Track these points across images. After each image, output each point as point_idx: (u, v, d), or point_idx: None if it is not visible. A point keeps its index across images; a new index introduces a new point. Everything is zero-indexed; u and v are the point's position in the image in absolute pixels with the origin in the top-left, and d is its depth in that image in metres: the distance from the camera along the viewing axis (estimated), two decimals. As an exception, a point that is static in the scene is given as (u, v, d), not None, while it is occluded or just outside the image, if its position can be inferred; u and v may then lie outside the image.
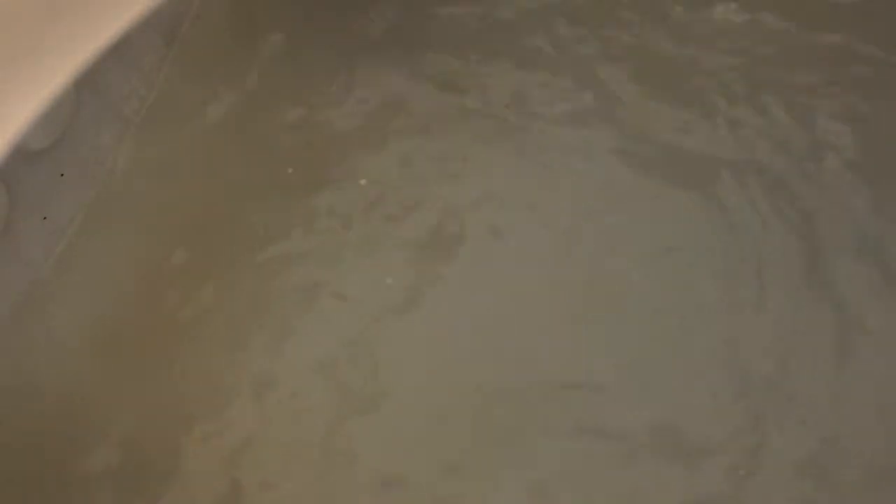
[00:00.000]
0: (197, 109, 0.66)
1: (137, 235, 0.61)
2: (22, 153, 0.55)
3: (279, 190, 0.63)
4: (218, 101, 0.66)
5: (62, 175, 0.59)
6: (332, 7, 0.70)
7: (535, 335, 0.57)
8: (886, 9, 0.67)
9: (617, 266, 0.59)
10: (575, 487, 0.52)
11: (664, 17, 0.67)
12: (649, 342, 0.56)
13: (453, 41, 0.68)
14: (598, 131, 0.64)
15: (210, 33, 0.69)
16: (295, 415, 0.55)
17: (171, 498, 0.52)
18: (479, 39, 0.68)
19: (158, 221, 0.61)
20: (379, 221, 0.61)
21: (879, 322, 0.56)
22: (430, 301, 0.58)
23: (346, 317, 0.58)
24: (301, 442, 0.54)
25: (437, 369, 0.56)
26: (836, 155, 0.61)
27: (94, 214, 0.60)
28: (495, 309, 0.58)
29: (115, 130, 0.63)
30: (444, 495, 0.52)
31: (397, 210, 0.62)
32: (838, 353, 0.55)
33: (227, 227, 0.61)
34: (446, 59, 0.68)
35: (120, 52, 0.61)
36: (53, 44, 0.44)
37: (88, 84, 0.60)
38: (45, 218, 0.58)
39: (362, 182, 0.62)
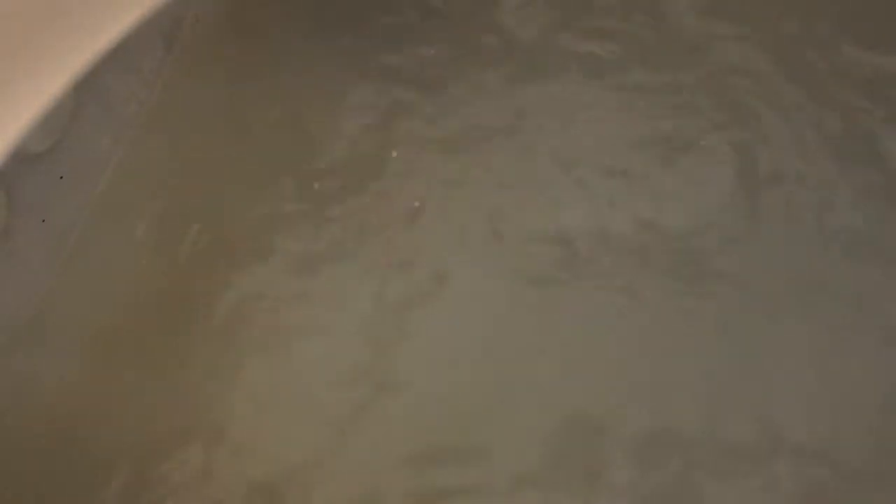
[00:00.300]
0: (196, 112, 0.66)
1: (137, 238, 0.61)
2: (21, 156, 0.55)
3: (279, 191, 0.63)
4: (217, 103, 0.66)
5: (61, 178, 0.59)
6: (331, 10, 0.70)
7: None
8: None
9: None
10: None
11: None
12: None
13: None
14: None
15: (209, 36, 0.69)
16: (296, 418, 0.55)
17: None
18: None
19: (158, 224, 0.61)
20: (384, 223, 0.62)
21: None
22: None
23: (344, 315, 0.58)
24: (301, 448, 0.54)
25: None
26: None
27: (94, 217, 0.60)
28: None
29: (115, 133, 0.63)
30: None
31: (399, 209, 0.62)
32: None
33: (228, 229, 0.61)
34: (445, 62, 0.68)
35: (119, 55, 0.61)
36: (53, 47, 0.44)
37: (88, 87, 0.60)
38: (44, 221, 0.58)
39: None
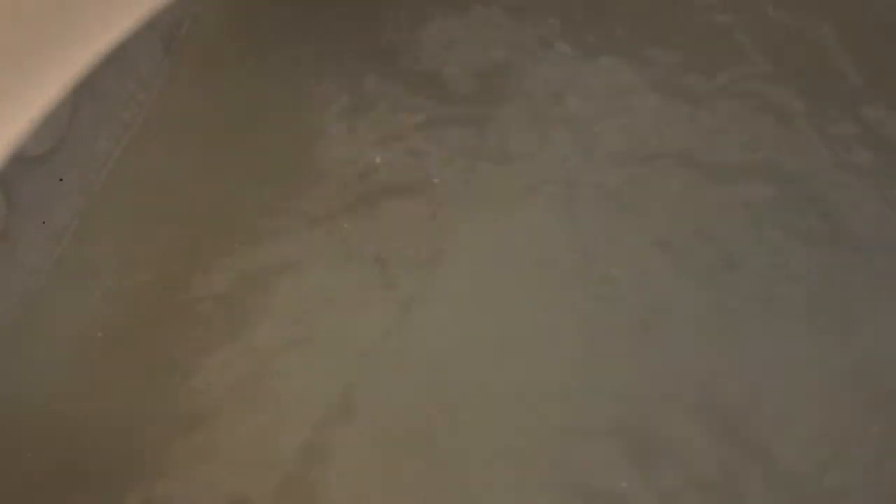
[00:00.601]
0: (195, 115, 0.66)
1: (136, 240, 0.61)
2: (21, 159, 0.56)
3: (278, 194, 0.63)
4: (216, 106, 0.66)
5: (61, 180, 0.59)
6: (330, 13, 0.70)
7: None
8: None
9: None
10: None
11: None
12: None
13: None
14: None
15: (208, 39, 0.69)
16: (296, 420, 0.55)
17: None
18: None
19: (157, 226, 0.61)
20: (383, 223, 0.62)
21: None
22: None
23: (344, 314, 0.58)
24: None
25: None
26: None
27: (93, 219, 0.60)
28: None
29: (114, 135, 0.63)
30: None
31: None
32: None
33: (226, 232, 0.61)
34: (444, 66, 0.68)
35: (118, 57, 0.61)
36: (52, 49, 0.44)
37: (87, 89, 0.60)
38: (43, 223, 0.58)
39: (377, 160, 0.63)
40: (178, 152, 0.64)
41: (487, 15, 0.69)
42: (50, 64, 0.44)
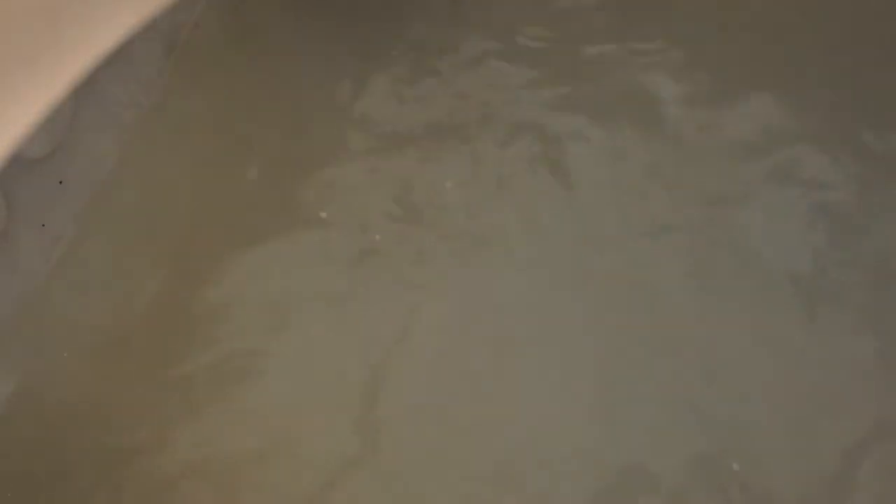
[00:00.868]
0: (196, 117, 0.66)
1: (136, 242, 0.61)
2: (21, 161, 0.56)
3: (278, 195, 0.63)
4: (217, 109, 0.66)
5: (61, 183, 0.59)
6: (331, 17, 0.71)
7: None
8: None
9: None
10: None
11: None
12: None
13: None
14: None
15: (208, 42, 0.69)
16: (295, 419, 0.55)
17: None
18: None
19: (157, 229, 0.61)
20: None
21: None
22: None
23: (343, 313, 0.59)
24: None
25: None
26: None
27: (93, 222, 0.60)
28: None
29: (114, 138, 0.63)
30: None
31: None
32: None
33: (226, 233, 0.61)
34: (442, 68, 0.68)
35: (119, 60, 0.61)
36: (52, 52, 0.44)
37: (87, 92, 0.60)
38: (43, 225, 0.58)
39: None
40: (179, 155, 0.64)
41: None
42: (50, 66, 0.44)
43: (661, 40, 0.67)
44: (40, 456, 0.54)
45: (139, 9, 0.47)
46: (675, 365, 0.56)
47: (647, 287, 0.58)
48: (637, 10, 0.69)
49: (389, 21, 0.70)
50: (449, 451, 0.54)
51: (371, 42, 0.69)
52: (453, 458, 0.54)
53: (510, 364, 0.56)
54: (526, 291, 0.59)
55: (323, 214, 0.62)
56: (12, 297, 0.57)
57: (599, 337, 0.57)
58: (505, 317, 0.58)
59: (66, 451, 0.54)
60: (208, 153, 0.65)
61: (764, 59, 0.66)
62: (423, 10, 0.71)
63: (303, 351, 0.57)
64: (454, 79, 0.67)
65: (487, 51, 0.68)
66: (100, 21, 0.45)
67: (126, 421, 0.55)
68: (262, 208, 0.62)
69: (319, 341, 0.58)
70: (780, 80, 0.65)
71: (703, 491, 0.52)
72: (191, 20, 0.68)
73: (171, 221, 0.62)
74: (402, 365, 0.56)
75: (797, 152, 0.62)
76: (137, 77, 0.64)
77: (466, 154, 0.64)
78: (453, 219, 0.62)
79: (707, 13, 0.68)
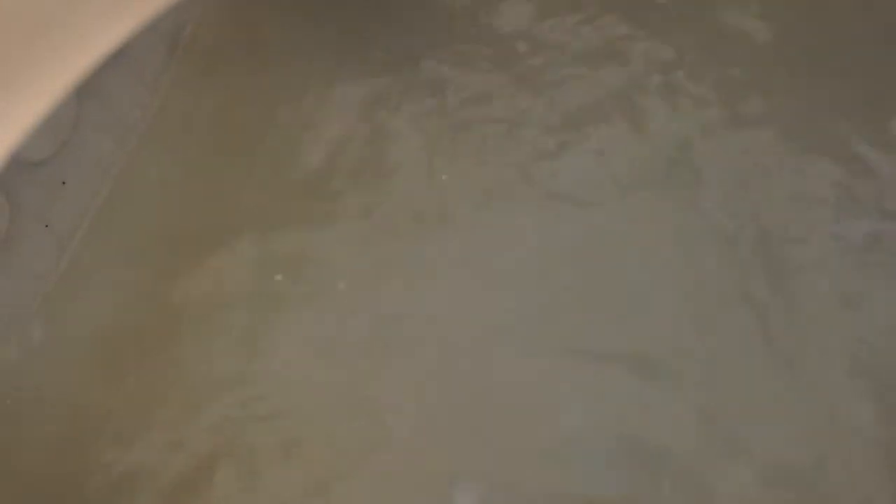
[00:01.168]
0: (199, 118, 0.66)
1: (140, 243, 0.61)
2: (24, 163, 0.56)
3: (281, 197, 0.63)
4: (220, 109, 0.66)
5: (64, 184, 0.59)
6: (334, 17, 0.70)
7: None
8: None
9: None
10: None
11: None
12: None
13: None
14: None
15: (211, 42, 0.69)
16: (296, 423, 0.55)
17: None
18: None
19: (161, 229, 0.61)
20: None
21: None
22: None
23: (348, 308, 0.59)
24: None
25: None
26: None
27: (97, 223, 0.60)
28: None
29: (118, 138, 0.63)
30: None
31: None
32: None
33: (230, 235, 0.61)
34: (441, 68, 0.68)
35: (121, 61, 0.61)
36: (55, 53, 0.44)
37: (90, 93, 0.60)
38: (47, 226, 0.58)
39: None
40: (183, 155, 0.64)
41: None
42: (53, 67, 0.44)
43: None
44: (46, 457, 0.54)
45: (141, 9, 0.47)
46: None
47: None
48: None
49: (392, 22, 0.70)
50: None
51: (374, 43, 0.69)
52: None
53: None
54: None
55: (329, 215, 0.62)
56: (17, 297, 0.57)
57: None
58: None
59: (73, 452, 0.54)
60: (212, 153, 0.65)
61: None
62: (426, 11, 0.71)
63: (303, 353, 0.57)
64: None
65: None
66: (102, 21, 0.45)
67: (132, 422, 0.55)
68: (268, 208, 0.62)
69: (321, 342, 0.58)
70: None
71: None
72: (193, 21, 0.68)
73: (175, 221, 0.62)
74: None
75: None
76: (140, 77, 0.64)
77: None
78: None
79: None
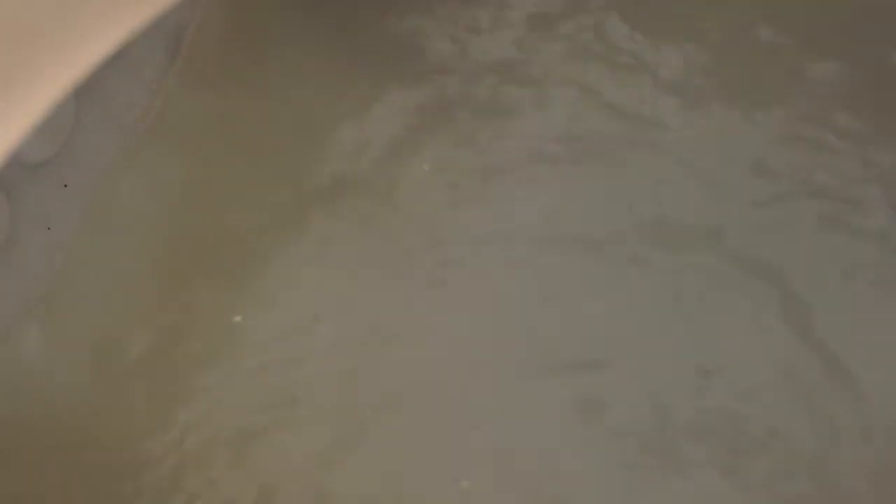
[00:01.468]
0: (199, 120, 0.66)
1: (141, 246, 0.61)
2: (24, 165, 0.55)
3: (282, 200, 0.63)
4: (221, 111, 0.66)
5: (65, 186, 0.59)
6: (335, 18, 0.70)
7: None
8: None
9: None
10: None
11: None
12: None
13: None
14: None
15: (212, 44, 0.69)
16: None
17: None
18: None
19: (161, 231, 0.61)
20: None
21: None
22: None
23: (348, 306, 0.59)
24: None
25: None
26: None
27: (98, 225, 0.60)
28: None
29: (118, 140, 0.63)
30: None
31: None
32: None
33: (230, 237, 0.61)
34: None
35: (122, 61, 0.61)
36: (55, 54, 0.44)
37: (90, 94, 0.60)
38: (48, 229, 0.58)
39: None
40: (183, 157, 0.64)
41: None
42: (53, 69, 0.44)
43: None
44: (44, 461, 0.54)
45: (141, 10, 0.47)
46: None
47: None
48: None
49: (394, 23, 0.70)
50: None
51: (376, 43, 0.69)
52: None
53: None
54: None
55: (329, 220, 0.62)
56: (18, 299, 0.57)
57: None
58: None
59: (70, 456, 0.54)
60: (213, 155, 0.65)
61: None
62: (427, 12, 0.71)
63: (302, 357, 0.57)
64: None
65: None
66: (102, 22, 0.45)
67: (132, 427, 0.55)
68: (269, 212, 0.62)
69: (320, 345, 0.58)
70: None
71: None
72: (194, 22, 0.68)
73: (176, 224, 0.62)
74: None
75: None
76: (140, 79, 0.64)
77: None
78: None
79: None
